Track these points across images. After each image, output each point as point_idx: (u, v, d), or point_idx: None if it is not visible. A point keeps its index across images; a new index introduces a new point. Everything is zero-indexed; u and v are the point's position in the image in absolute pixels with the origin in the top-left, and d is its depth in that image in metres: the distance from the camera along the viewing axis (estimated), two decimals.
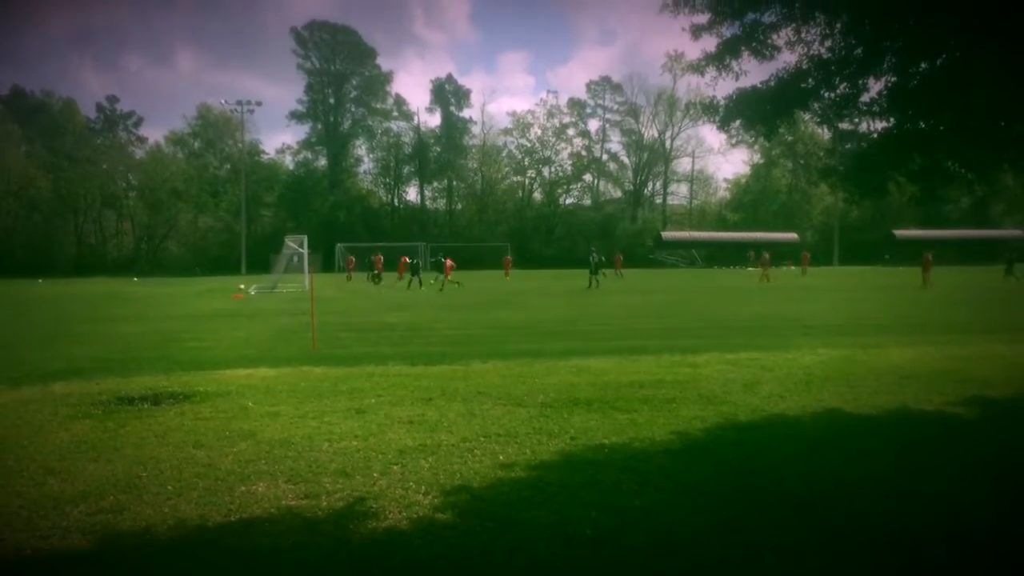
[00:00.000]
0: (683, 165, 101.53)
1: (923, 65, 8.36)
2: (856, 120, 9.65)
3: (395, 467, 6.99)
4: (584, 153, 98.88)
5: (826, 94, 8.93)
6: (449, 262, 41.69)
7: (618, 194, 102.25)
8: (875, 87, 8.84)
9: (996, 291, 34.62)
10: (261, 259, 65.38)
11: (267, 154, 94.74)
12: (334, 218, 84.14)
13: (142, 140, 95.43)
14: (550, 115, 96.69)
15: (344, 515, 5.77)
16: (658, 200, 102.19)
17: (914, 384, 10.94)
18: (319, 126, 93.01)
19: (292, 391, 10.73)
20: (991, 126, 7.94)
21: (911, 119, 8.66)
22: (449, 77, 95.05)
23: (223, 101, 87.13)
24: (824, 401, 9.88)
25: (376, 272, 47.54)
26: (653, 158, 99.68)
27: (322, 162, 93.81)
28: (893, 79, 8.56)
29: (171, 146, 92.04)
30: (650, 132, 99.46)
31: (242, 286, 41.04)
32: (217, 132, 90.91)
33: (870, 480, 6.62)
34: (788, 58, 8.98)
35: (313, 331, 16.58)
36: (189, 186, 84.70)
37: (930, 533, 5.41)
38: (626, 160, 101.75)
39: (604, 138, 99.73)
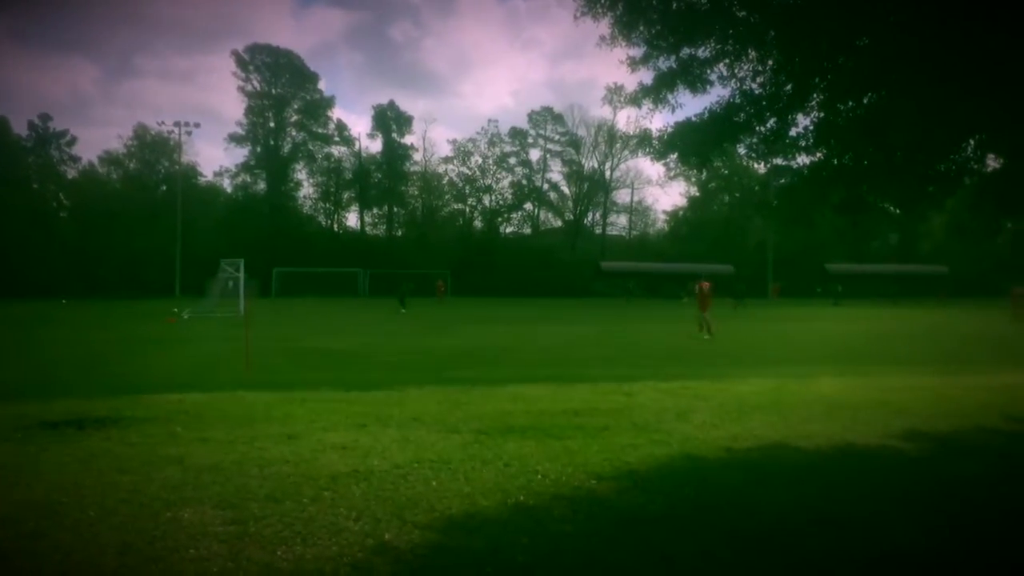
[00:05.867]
0: (623, 196, 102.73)
1: (849, 103, 8.65)
2: (789, 156, 9.94)
3: (326, 493, 6.91)
4: (525, 182, 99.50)
5: (757, 128, 9.17)
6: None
7: (559, 224, 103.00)
8: (803, 122, 9.13)
9: (921, 324, 35.67)
10: (196, 283, 64.18)
11: (204, 176, 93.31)
12: (272, 243, 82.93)
13: (75, 160, 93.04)
14: (491, 144, 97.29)
15: (272, 541, 5.68)
16: (598, 231, 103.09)
17: (842, 413, 11.18)
18: (258, 149, 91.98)
19: (223, 416, 10.54)
20: (913, 163, 8.23)
21: (837, 154, 8.94)
22: (391, 103, 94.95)
23: (160, 122, 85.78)
24: (755, 430, 10.03)
25: None
26: (593, 188, 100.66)
27: (261, 186, 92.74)
28: (820, 115, 8.85)
29: (106, 166, 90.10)
30: (590, 163, 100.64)
31: (176, 310, 40.26)
32: (154, 153, 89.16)
33: (798, 509, 6.73)
34: (721, 92, 9.22)
35: (247, 356, 16.33)
36: (125, 207, 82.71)
37: (856, 559, 5.53)
38: (566, 190, 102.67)
39: (545, 168, 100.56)
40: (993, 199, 9.44)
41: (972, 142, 9.06)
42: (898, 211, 9.95)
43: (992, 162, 9.65)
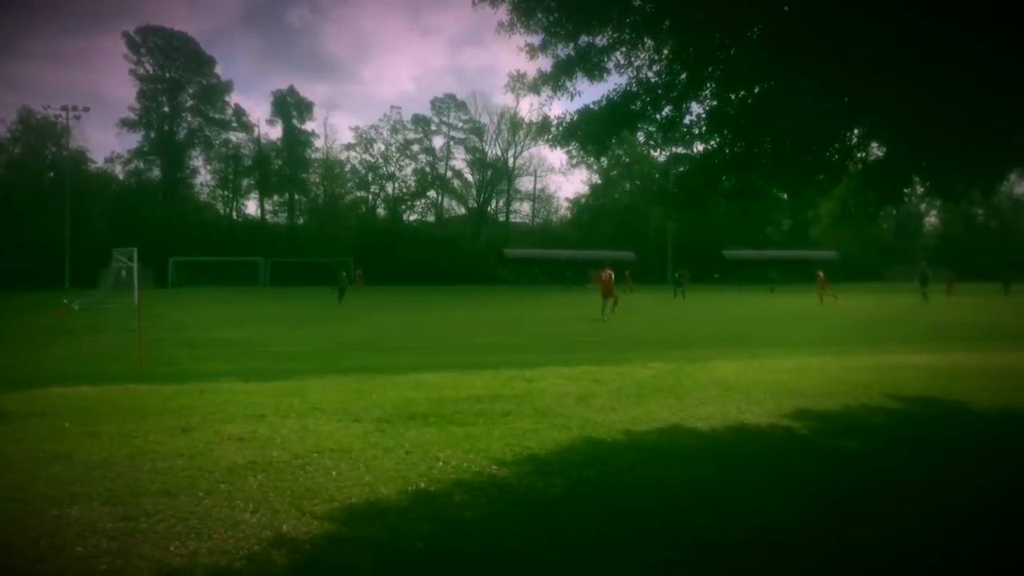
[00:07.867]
0: (526, 184, 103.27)
1: (741, 92, 8.88)
2: (686, 144, 10.17)
3: (222, 486, 6.77)
4: (428, 170, 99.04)
5: (654, 116, 9.33)
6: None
7: (462, 211, 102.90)
8: (697, 111, 9.34)
9: (810, 308, 37.01)
10: (88, 273, 61.79)
11: (95, 163, 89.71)
12: (168, 231, 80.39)
13: None
14: (394, 131, 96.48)
15: (165, 536, 5.54)
16: (501, 218, 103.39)
17: (736, 395, 11.52)
18: (152, 135, 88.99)
19: (114, 410, 10.22)
20: (801, 151, 8.52)
21: (728, 142, 9.18)
22: (291, 89, 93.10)
23: (46, 105, 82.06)
24: (653, 412, 10.24)
25: None
26: (497, 176, 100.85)
27: (155, 172, 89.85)
28: (713, 104, 9.06)
29: None
30: (493, 150, 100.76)
31: (65, 301, 38.75)
32: (40, 138, 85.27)
33: (691, 488, 6.91)
34: (619, 81, 9.35)
35: (140, 347, 15.84)
36: (10, 194, 79.09)
37: (742, 535, 5.71)
38: (470, 178, 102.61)
39: (448, 155, 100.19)
40: (874, 185, 9.85)
41: (856, 131, 9.44)
42: (787, 197, 10.32)
43: (876, 150, 10.09)
